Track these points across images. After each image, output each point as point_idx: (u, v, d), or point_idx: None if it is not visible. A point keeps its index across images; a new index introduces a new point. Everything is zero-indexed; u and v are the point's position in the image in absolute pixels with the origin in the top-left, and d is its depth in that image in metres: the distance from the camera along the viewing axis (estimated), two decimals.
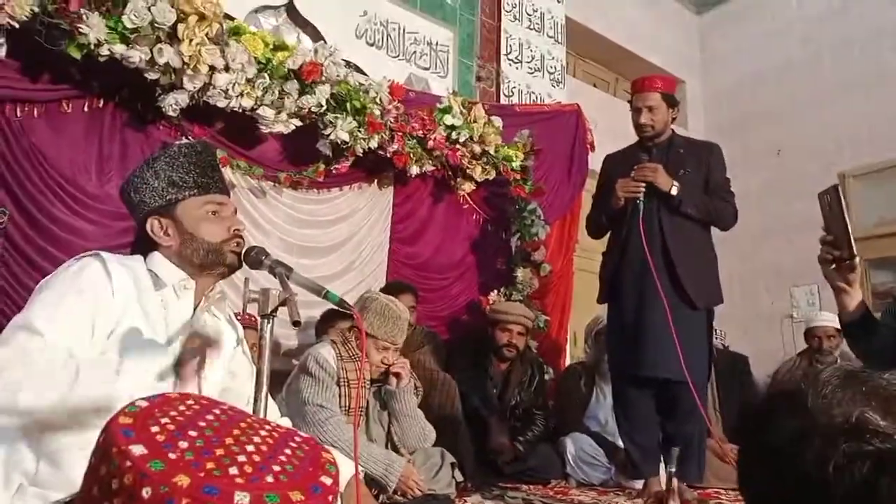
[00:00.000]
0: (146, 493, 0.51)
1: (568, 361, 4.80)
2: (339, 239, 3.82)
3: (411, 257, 4.15)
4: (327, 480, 0.60)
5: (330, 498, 0.59)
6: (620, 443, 3.40)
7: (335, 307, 1.43)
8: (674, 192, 2.97)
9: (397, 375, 2.66)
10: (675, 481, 2.35)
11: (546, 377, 4.01)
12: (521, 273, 4.24)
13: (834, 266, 1.53)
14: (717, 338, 4.53)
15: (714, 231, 3.18)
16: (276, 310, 1.25)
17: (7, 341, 1.29)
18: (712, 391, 3.93)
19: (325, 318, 3.40)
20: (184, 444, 0.55)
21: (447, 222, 4.30)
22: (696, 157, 3.14)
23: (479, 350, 3.78)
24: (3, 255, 2.48)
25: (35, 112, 2.77)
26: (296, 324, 1.22)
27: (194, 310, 1.54)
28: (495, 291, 4.22)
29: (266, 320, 1.24)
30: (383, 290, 3.20)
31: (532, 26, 5.39)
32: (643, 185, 2.98)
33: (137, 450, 0.53)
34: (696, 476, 3.09)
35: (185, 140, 2.92)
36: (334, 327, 3.27)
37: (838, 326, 4.16)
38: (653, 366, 2.91)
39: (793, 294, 6.23)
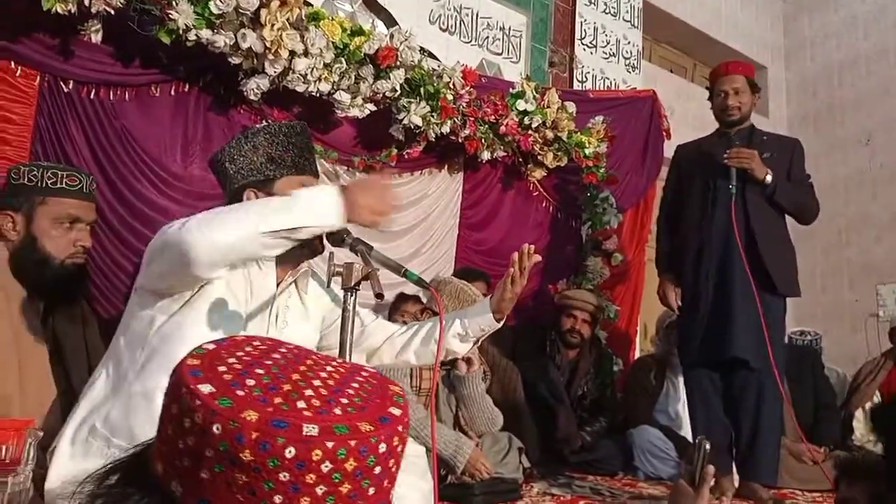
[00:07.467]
0: (216, 429, 0.52)
1: (637, 353, 4.71)
2: (408, 223, 3.84)
3: (480, 243, 4.14)
4: (396, 411, 0.60)
5: (399, 428, 0.59)
6: (691, 437, 3.32)
7: (414, 284, 1.44)
8: (768, 179, 2.89)
9: (468, 361, 2.66)
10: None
11: (615, 368, 3.94)
12: (591, 262, 4.17)
13: None
14: (810, 336, 4.35)
15: (793, 224, 3.09)
16: (359, 283, 1.27)
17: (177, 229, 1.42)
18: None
19: (398, 301, 3.43)
20: (251, 382, 0.56)
21: (516, 209, 4.27)
22: (779, 149, 3.05)
23: (545, 338, 3.74)
24: (96, 229, 2.60)
25: (126, 95, 2.89)
26: (379, 296, 1.24)
27: (277, 285, 1.59)
28: (564, 280, 4.18)
29: (349, 293, 1.26)
30: (456, 276, 3.21)
31: (608, 10, 5.27)
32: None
33: (206, 388, 0.54)
34: (771, 475, 2.95)
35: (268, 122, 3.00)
36: (408, 311, 3.30)
37: None
38: (739, 347, 2.82)
39: (879, 292, 5.91)
